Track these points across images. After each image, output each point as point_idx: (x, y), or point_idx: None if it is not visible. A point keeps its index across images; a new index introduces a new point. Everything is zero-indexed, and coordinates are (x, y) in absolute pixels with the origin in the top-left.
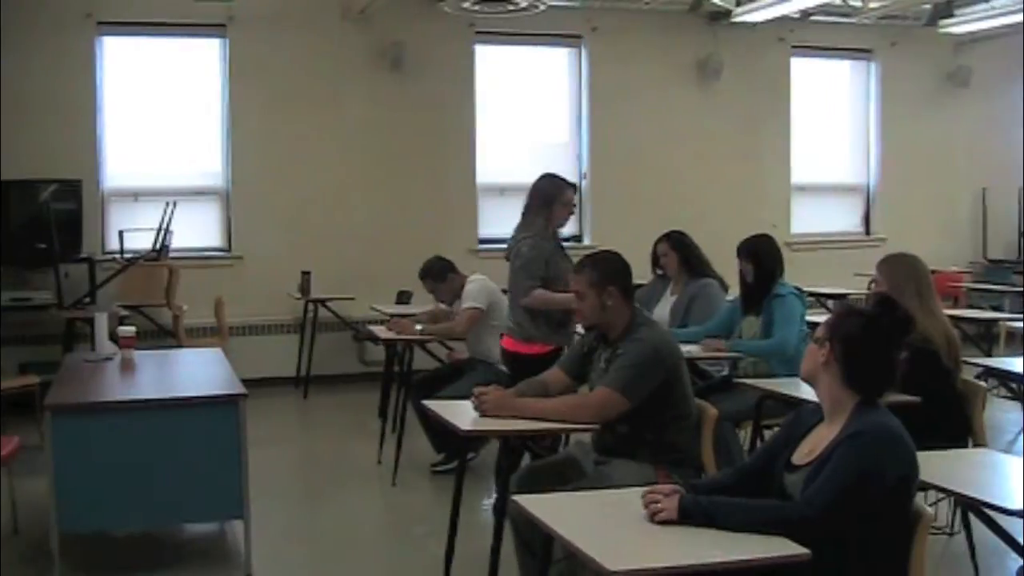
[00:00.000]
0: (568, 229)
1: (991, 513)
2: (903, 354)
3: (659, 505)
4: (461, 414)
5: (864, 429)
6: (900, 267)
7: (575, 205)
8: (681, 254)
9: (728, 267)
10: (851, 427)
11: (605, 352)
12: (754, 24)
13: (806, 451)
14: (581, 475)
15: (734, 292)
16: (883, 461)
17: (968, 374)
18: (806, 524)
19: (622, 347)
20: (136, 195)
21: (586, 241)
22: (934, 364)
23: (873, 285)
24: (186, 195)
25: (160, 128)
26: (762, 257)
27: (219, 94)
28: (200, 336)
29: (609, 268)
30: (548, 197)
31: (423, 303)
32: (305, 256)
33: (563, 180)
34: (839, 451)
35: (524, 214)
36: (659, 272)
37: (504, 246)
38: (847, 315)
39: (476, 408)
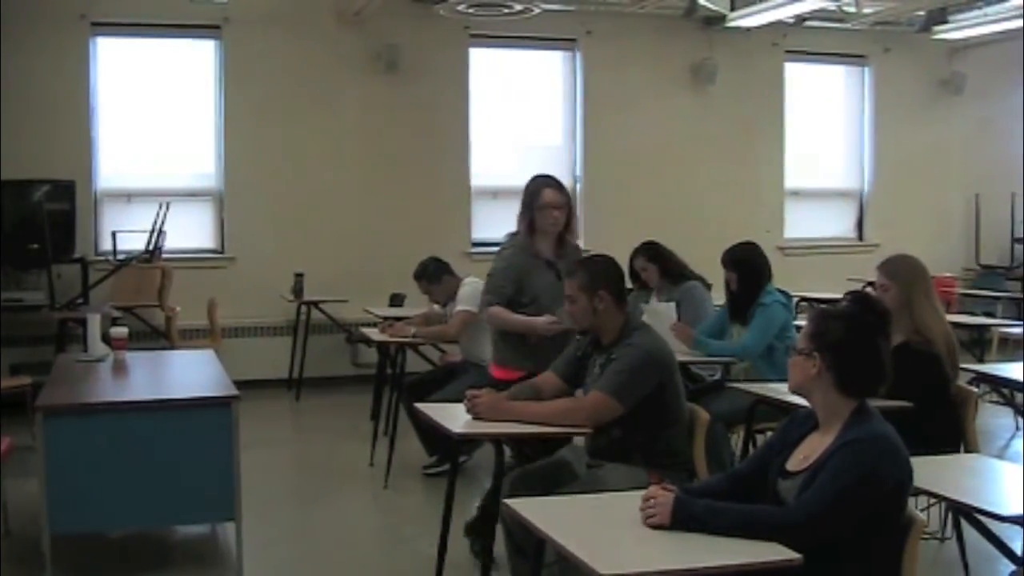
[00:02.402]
0: None
1: (983, 519)
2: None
3: (653, 510)
4: (453, 417)
5: (861, 436)
6: (909, 268)
7: (557, 208)
8: (659, 265)
9: (721, 272)
10: (848, 434)
11: (600, 357)
12: (748, 29)
13: (801, 457)
14: (573, 478)
15: (718, 291)
16: (881, 467)
17: (960, 380)
18: (801, 529)
19: (616, 352)
20: (129, 196)
21: (579, 245)
22: (935, 367)
23: (877, 288)
24: (179, 196)
25: (154, 129)
26: (745, 266)
27: (213, 96)
28: (193, 337)
29: (600, 272)
30: (526, 199)
31: (416, 306)
32: (298, 258)
33: (544, 177)
34: (836, 457)
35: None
36: (637, 285)
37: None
38: (827, 321)
39: (469, 411)
